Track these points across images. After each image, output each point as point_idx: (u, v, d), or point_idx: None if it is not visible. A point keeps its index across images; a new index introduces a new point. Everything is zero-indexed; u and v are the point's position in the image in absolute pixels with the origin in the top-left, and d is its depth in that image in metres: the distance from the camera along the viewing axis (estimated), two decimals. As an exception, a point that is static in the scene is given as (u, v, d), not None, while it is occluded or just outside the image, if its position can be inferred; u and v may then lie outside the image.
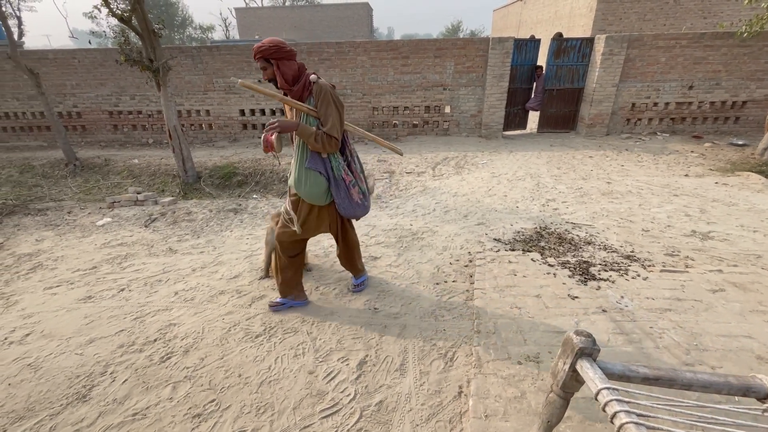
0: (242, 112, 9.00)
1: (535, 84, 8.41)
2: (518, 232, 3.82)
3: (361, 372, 2.12)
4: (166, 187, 6.75)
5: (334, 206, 2.43)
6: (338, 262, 3.37)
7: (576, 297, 2.63)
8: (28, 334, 2.60)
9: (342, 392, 1.99)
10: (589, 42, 7.89)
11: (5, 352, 2.45)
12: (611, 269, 3.01)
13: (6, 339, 2.58)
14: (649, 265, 3.06)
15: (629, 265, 3.06)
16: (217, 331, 2.51)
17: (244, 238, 4.11)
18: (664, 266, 3.05)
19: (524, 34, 19.90)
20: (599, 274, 2.93)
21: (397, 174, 6.18)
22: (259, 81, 8.58)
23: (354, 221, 2.74)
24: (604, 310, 2.48)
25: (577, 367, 1.29)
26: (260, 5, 37.41)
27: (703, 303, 2.51)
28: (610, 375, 1.27)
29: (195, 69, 8.63)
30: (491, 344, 2.20)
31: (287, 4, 37.72)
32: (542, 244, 3.54)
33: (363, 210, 2.49)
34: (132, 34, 6.01)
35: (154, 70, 5.93)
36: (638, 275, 2.90)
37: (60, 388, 2.09)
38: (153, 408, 1.95)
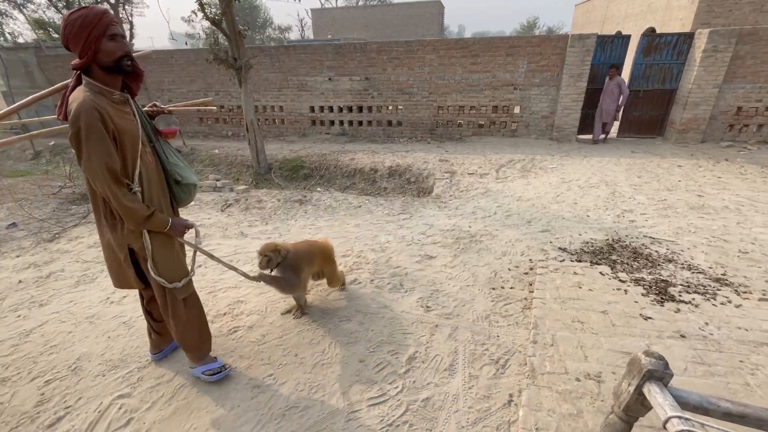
0: (312, 109, 9.44)
1: (606, 85, 7.30)
2: (587, 243, 3.57)
3: (409, 367, 2.14)
4: (241, 176, 7.33)
5: None
6: (393, 258, 3.42)
7: (649, 318, 2.40)
8: (125, 297, 3.00)
9: (390, 384, 2.03)
10: (688, 38, 7.05)
11: (106, 310, 2.86)
12: (695, 292, 2.69)
13: (107, 299, 3.00)
14: (745, 292, 2.69)
15: (718, 289, 2.71)
16: (275, 314, 2.69)
17: (307, 228, 4.34)
18: (764, 294, 2.66)
19: (609, 31, 18.33)
20: (680, 295, 2.64)
21: (458, 174, 6.08)
22: (330, 79, 8.95)
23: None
24: (682, 336, 2.23)
25: (644, 390, 1.19)
26: (335, 6, 38.83)
27: (813, 341, 2.15)
28: (684, 404, 1.16)
29: (272, 67, 9.22)
30: (548, 356, 2.09)
31: (360, 3, 38.70)
32: (614, 257, 3.27)
33: None
34: (220, 36, 6.60)
35: (237, 68, 6.46)
36: (729, 301, 2.56)
37: (147, 346, 2.39)
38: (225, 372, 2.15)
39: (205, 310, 2.72)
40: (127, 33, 14.20)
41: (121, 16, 8.76)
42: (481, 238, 3.80)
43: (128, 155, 1.65)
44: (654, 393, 1.16)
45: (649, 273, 2.98)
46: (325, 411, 1.89)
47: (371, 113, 9.09)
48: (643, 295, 2.66)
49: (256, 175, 7.13)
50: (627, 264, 3.15)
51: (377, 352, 2.26)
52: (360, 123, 9.25)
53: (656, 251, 3.35)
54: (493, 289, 2.89)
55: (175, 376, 2.16)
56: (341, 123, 9.37)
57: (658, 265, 3.11)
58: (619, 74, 7.27)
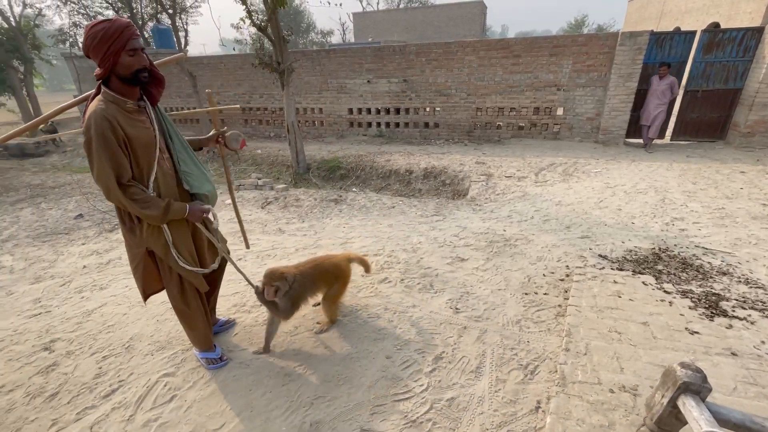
0: (350, 111, 9.63)
1: (651, 85, 6.80)
2: (630, 251, 3.38)
3: (435, 366, 2.15)
4: (281, 175, 7.62)
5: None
6: (424, 259, 3.43)
7: (696, 332, 2.24)
8: (172, 284, 3.24)
9: (415, 381, 2.06)
10: (757, 32, 6.48)
11: (155, 297, 3.09)
12: (752, 308, 2.48)
13: (158, 285, 3.25)
14: (812, 311, 2.44)
15: (780, 307, 2.48)
16: (308, 307, 2.79)
17: (341, 227, 4.44)
18: (834, 314, 2.40)
19: (666, 27, 17.17)
20: (733, 311, 2.45)
21: (495, 177, 5.97)
22: (369, 81, 9.09)
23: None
24: (734, 354, 2.07)
25: (679, 402, 1.14)
26: (375, 9, 39.27)
27: None
28: (724, 422, 1.09)
29: (313, 70, 9.52)
30: (580, 365, 2.02)
31: (401, 6, 38.86)
32: (659, 267, 3.08)
33: None
34: (266, 41, 6.91)
35: (281, 71, 6.73)
36: (792, 320, 2.33)
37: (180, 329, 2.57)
38: (254, 361, 2.28)
39: (242, 302, 2.89)
40: (183, 40, 15.21)
41: (177, 24, 9.41)
42: (515, 242, 3.71)
43: (142, 162, 1.73)
44: (689, 407, 1.11)
45: (699, 285, 2.78)
46: (351, 403, 1.94)
47: (408, 115, 9.13)
48: (690, 308, 2.49)
49: (295, 175, 7.39)
50: (674, 275, 2.95)
51: (404, 350, 2.29)
52: (397, 124, 9.31)
53: (709, 263, 3.12)
54: (526, 294, 2.82)
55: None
56: (378, 125, 9.48)
57: (710, 277, 2.90)
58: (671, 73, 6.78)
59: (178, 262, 1.94)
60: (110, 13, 16.21)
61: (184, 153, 2.00)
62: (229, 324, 2.62)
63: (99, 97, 1.67)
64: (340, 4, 12.61)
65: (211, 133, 2.20)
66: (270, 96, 10.21)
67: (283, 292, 2.17)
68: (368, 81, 9.15)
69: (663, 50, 6.96)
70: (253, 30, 6.73)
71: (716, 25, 13.37)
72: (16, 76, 14.14)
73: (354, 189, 6.65)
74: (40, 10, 15.28)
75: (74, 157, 10.75)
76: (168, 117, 1.97)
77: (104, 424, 1.94)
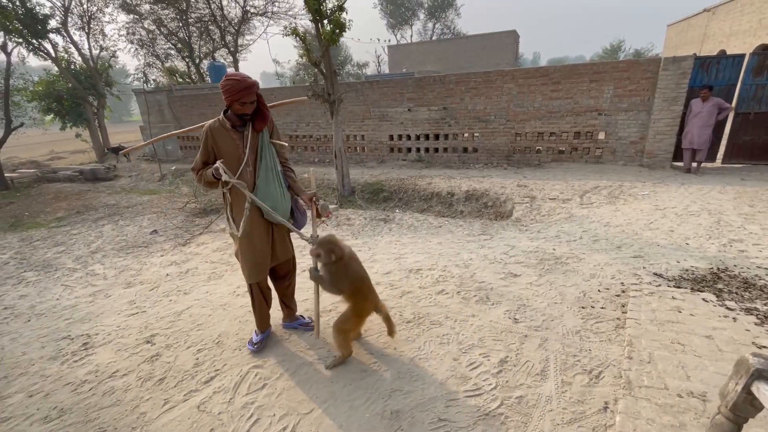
0: (391, 137, 10.10)
1: (692, 109, 6.70)
2: (686, 270, 3.39)
3: (501, 368, 2.30)
4: (327, 197, 8.06)
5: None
6: (477, 274, 3.60)
7: (764, 347, 2.26)
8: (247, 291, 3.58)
9: (484, 381, 2.21)
10: (809, 54, 6.36)
11: (234, 301, 3.44)
12: (823, 326, 2.45)
13: (234, 292, 3.61)
14: None
15: None
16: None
17: (393, 244, 4.70)
18: None
19: (709, 50, 16.84)
20: (803, 328, 2.43)
21: (538, 199, 6.07)
22: (409, 109, 9.55)
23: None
24: (806, 368, 2.08)
25: (753, 388, 1.26)
26: (409, 42, 40.96)
27: None
28: (798, 404, 1.20)
29: (357, 100, 10.13)
30: (645, 372, 2.11)
31: (434, 38, 40.33)
32: (719, 286, 3.08)
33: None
34: (311, 74, 7.54)
35: (331, 102, 7.30)
36: None
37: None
38: (331, 358, 2.51)
39: (308, 313, 3.17)
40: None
41: (232, 60, 10.48)
42: (566, 260, 3.80)
43: (228, 165, 2.33)
44: (764, 390, 1.22)
45: (765, 304, 2.77)
46: (425, 396, 2.12)
47: (447, 140, 9.45)
48: (757, 324, 2.50)
49: (341, 197, 7.80)
50: (736, 294, 2.95)
51: (469, 353, 2.46)
52: (436, 150, 9.65)
53: (773, 283, 3.08)
54: (583, 308, 2.92)
55: (294, 355, 2.57)
56: (418, 150, 9.85)
57: (776, 296, 2.87)
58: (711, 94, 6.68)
59: (228, 227, 2.49)
60: (174, 53, 18.12)
61: (267, 174, 2.46)
62: (308, 326, 2.88)
63: (218, 116, 2.41)
64: (378, 39, 13.45)
65: (309, 192, 2.59)
66: (316, 124, 10.90)
67: (323, 261, 2.23)
68: (409, 109, 9.62)
69: (709, 74, 6.94)
70: (293, 63, 7.38)
71: (766, 47, 13.01)
72: (91, 109, 15.89)
73: (397, 210, 6.94)
74: (114, 52, 17.28)
75: (139, 181, 11.82)
76: (269, 144, 2.48)
77: (209, 404, 2.22)
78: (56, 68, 14.91)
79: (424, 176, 8.24)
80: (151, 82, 17.06)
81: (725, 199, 5.34)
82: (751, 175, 6.47)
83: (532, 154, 8.66)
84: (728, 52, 15.40)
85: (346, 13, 6.62)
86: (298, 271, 2.93)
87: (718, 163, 7.39)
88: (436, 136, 9.55)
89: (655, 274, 3.37)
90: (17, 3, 12.16)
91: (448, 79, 9.03)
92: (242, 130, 2.39)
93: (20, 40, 12.71)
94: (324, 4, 6.52)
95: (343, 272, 2.28)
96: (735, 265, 3.44)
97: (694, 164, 7.05)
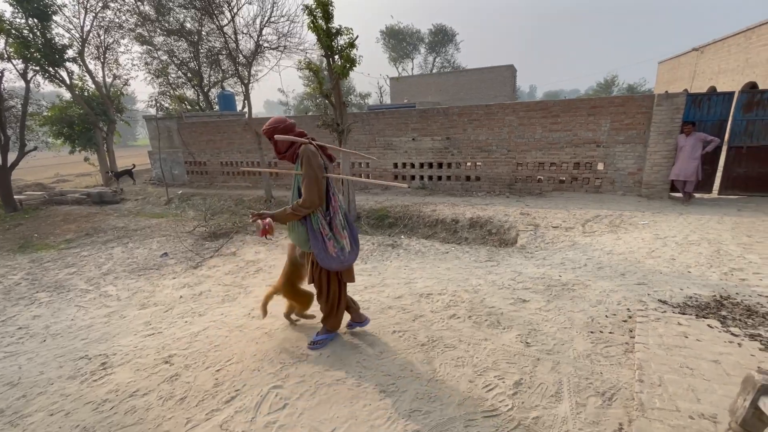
0: (395, 165, 10.38)
1: (678, 143, 7.17)
2: (690, 297, 3.50)
3: (516, 390, 2.36)
4: (334, 222, 8.21)
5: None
6: (487, 299, 3.70)
7: (770, 371, 2.34)
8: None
9: (500, 402, 2.27)
10: (795, 93, 6.71)
11: (250, 323, 3.51)
12: (825, 352, 2.54)
13: (249, 314, 3.68)
14: None
15: None
16: (389, 335, 3.09)
17: (402, 268, 4.80)
18: None
19: (699, 87, 17.57)
20: (806, 354, 2.52)
21: (542, 227, 6.22)
22: (413, 139, 9.87)
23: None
24: (811, 392, 2.15)
25: (760, 404, 1.36)
26: (410, 74, 42.48)
27: None
28: (803, 418, 1.30)
29: (363, 130, 10.48)
30: (656, 394, 2.18)
31: (434, 71, 41.87)
32: (723, 313, 3.18)
33: (338, 263, 2.70)
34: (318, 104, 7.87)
35: (340, 131, 7.59)
36: None
37: (288, 351, 2.92)
38: (349, 379, 2.57)
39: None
40: (242, 103, 17.23)
41: (244, 90, 10.94)
42: (573, 287, 3.91)
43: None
44: (771, 405, 1.32)
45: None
46: (444, 416, 2.18)
47: (450, 169, 9.72)
48: (761, 350, 2.58)
49: (347, 222, 7.95)
50: (740, 320, 3.05)
51: (484, 375, 2.52)
52: (439, 178, 9.90)
53: (774, 310, 3.18)
54: (592, 332, 3.00)
55: (312, 375, 2.63)
56: (421, 177, 10.11)
57: (778, 323, 2.97)
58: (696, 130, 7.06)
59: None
60: (182, 80, 18.90)
61: (293, 195, 2.80)
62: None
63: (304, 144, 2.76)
64: (387, 77, 14.06)
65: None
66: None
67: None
68: (413, 139, 9.95)
69: (701, 109, 7.29)
70: (296, 95, 7.74)
71: (753, 85, 13.62)
72: (100, 134, 16.31)
73: (402, 236, 7.07)
74: (127, 80, 17.94)
75: (145, 204, 11.98)
76: (297, 171, 2.69)
77: (231, 423, 2.27)
78: (69, 94, 15.43)
79: (428, 203, 8.43)
80: (164, 109, 17.67)
81: (723, 229, 5.50)
82: (747, 206, 6.67)
83: (534, 183, 8.90)
84: (718, 89, 16.09)
85: (357, 49, 7.02)
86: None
87: (714, 194, 7.61)
88: (440, 165, 9.83)
89: (660, 300, 3.47)
90: (38, 33, 12.76)
91: (452, 111, 9.41)
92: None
93: (38, 68, 13.24)
94: (336, 40, 6.93)
95: None
96: (737, 293, 3.55)
97: (681, 195, 7.31)
